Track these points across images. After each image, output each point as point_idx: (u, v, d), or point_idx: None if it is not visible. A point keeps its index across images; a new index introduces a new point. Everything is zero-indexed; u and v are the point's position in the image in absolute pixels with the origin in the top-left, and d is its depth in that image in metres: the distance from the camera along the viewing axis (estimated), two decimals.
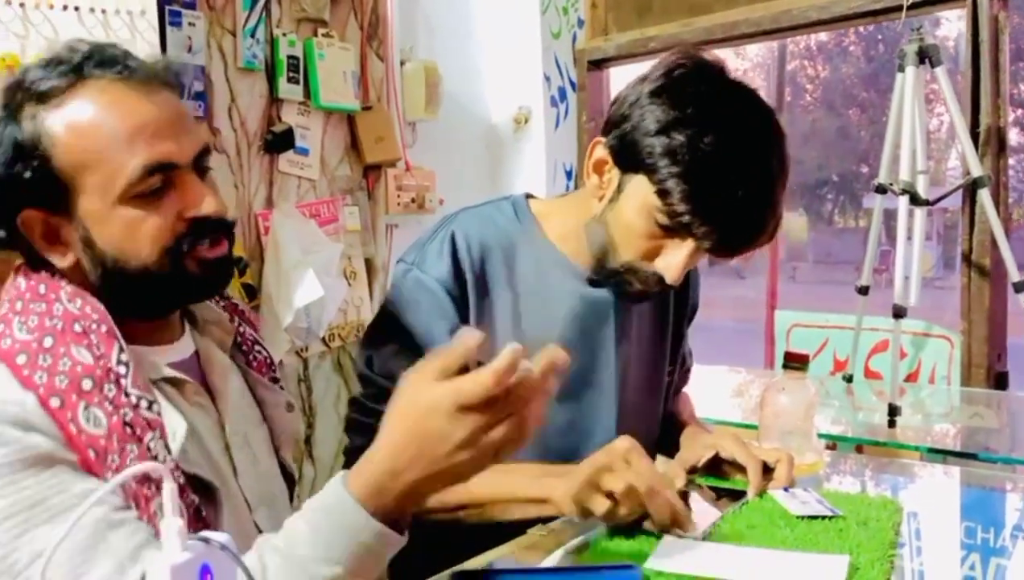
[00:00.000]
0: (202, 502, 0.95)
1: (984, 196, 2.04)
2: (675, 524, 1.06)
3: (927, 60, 2.03)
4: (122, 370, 0.90)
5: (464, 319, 1.24)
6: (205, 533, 0.69)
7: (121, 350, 0.91)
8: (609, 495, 1.05)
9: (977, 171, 2.02)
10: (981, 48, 2.17)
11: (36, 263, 0.96)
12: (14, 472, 0.82)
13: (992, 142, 2.16)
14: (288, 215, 2.32)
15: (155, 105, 0.92)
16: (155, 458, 0.89)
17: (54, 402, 0.85)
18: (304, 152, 2.41)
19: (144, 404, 0.90)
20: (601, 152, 1.19)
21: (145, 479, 0.88)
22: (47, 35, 1.62)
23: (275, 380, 1.16)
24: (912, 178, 1.99)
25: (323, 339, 2.45)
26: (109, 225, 0.92)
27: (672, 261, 1.15)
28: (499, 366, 0.76)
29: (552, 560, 1.03)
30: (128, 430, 0.88)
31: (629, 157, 1.14)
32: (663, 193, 1.10)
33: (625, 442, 1.11)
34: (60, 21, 1.65)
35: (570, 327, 1.28)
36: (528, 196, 1.35)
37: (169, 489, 0.68)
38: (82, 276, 0.95)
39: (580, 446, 1.31)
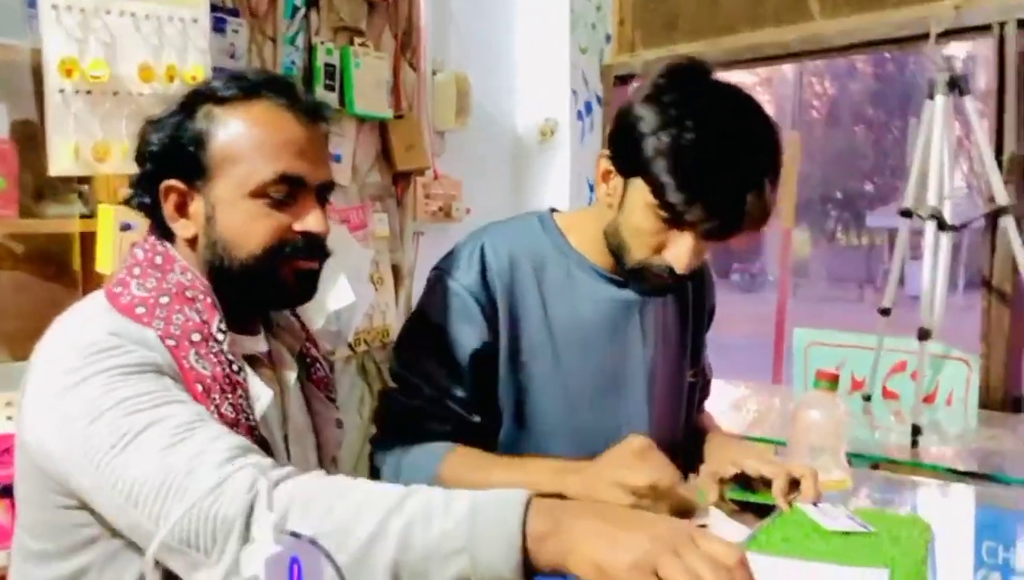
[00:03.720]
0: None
1: (1008, 223, 2.08)
2: (688, 516, 1.17)
3: (957, 89, 2.08)
4: (220, 337, 1.02)
5: (493, 325, 1.32)
6: (294, 529, 0.73)
7: (221, 320, 1.03)
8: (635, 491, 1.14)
9: (1003, 199, 2.07)
10: (1007, 78, 2.22)
11: (163, 233, 1.08)
12: (130, 374, 0.93)
13: (1016, 170, 2.21)
14: None
15: (307, 132, 1.07)
16: (242, 412, 1.02)
17: (170, 342, 0.98)
18: (337, 158, 2.44)
19: (236, 368, 1.03)
20: (606, 163, 1.29)
21: (235, 424, 0.99)
22: (104, 40, 1.66)
23: (331, 399, 1.25)
24: (939, 203, 2.03)
25: (349, 344, 2.48)
26: (232, 212, 1.04)
27: (678, 252, 1.23)
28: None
29: None
30: (227, 380, 1.01)
31: (628, 163, 1.24)
32: (658, 189, 1.19)
33: (639, 440, 1.20)
34: (117, 26, 1.68)
35: (599, 328, 1.36)
36: (553, 210, 1.43)
37: (265, 487, 0.72)
38: (195, 255, 1.07)
39: (611, 443, 1.36)
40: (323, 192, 1.09)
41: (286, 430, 1.14)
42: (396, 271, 2.66)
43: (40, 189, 1.70)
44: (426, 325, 1.34)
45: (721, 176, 1.16)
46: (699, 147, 1.16)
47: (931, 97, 2.10)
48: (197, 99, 1.06)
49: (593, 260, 1.36)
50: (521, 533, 0.78)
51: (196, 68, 1.76)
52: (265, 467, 0.87)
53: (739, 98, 1.23)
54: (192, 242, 1.07)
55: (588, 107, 3.04)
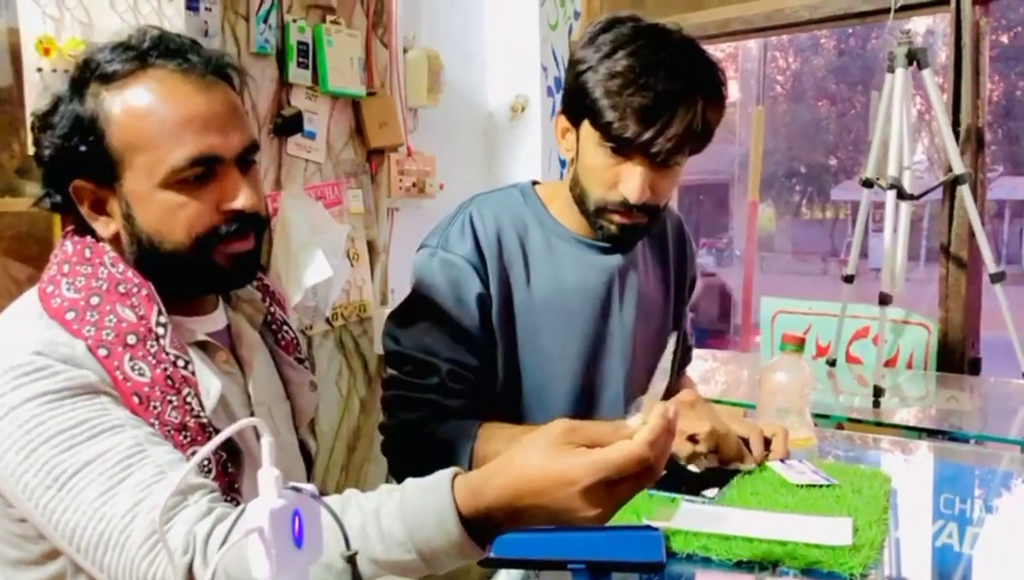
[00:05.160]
0: (229, 460, 1.01)
1: (964, 192, 2.15)
2: (739, 460, 1.26)
3: (915, 62, 2.14)
4: (161, 331, 0.96)
5: (488, 290, 1.35)
6: (296, 483, 0.77)
7: (160, 313, 0.97)
8: (691, 438, 1.23)
9: (959, 168, 2.14)
10: (963, 51, 2.28)
11: (85, 229, 1.01)
12: (63, 399, 0.88)
13: (972, 141, 2.28)
14: (297, 197, 2.37)
15: (209, 99, 0.96)
16: (190, 412, 0.96)
17: (102, 351, 0.92)
18: (311, 136, 2.46)
19: (181, 363, 0.96)
20: (562, 121, 1.35)
21: (181, 428, 0.94)
22: (80, 19, 1.67)
23: (300, 361, 1.21)
24: (899, 173, 2.10)
25: (327, 318, 2.51)
26: (149, 206, 0.96)
27: (630, 182, 1.28)
28: (651, 437, 0.75)
29: None
30: (169, 382, 0.95)
31: (575, 108, 1.30)
32: (596, 117, 1.24)
33: (689, 393, 1.29)
34: (92, 5, 1.69)
35: (579, 294, 1.40)
36: (535, 183, 1.47)
37: (267, 443, 0.76)
38: (122, 247, 1.00)
39: (590, 407, 1.41)
40: (244, 159, 1.00)
41: (251, 409, 1.08)
42: (371, 247, 2.68)
43: (21, 168, 1.71)
44: (428, 302, 1.34)
45: (649, 91, 1.21)
46: (628, 69, 1.22)
47: (891, 70, 2.16)
48: (83, 78, 0.96)
49: (573, 228, 1.40)
50: (465, 535, 0.79)
51: None
52: (199, 516, 0.83)
53: (669, 31, 1.28)
54: (116, 237, 1.00)
55: (558, 83, 3.06)
